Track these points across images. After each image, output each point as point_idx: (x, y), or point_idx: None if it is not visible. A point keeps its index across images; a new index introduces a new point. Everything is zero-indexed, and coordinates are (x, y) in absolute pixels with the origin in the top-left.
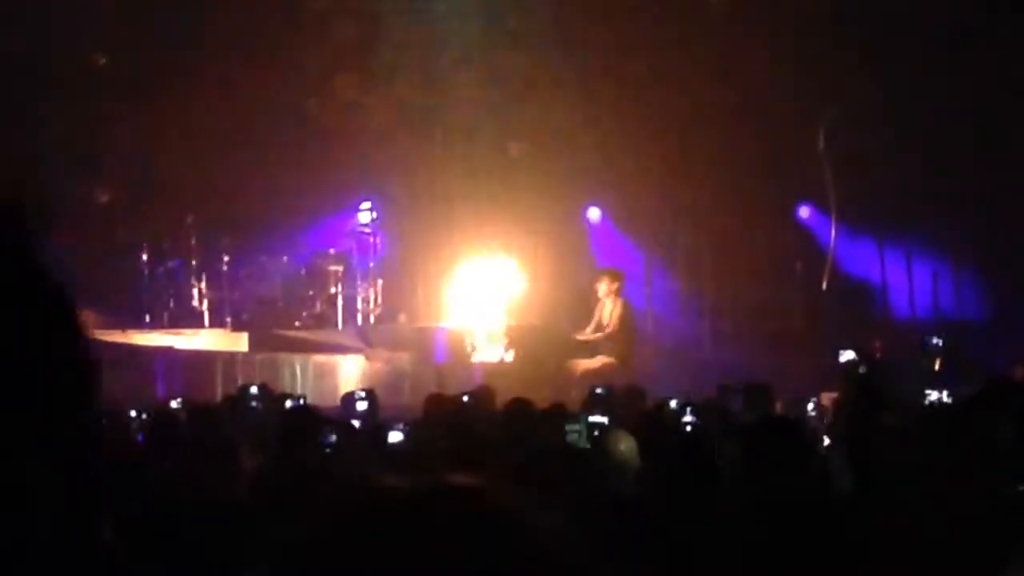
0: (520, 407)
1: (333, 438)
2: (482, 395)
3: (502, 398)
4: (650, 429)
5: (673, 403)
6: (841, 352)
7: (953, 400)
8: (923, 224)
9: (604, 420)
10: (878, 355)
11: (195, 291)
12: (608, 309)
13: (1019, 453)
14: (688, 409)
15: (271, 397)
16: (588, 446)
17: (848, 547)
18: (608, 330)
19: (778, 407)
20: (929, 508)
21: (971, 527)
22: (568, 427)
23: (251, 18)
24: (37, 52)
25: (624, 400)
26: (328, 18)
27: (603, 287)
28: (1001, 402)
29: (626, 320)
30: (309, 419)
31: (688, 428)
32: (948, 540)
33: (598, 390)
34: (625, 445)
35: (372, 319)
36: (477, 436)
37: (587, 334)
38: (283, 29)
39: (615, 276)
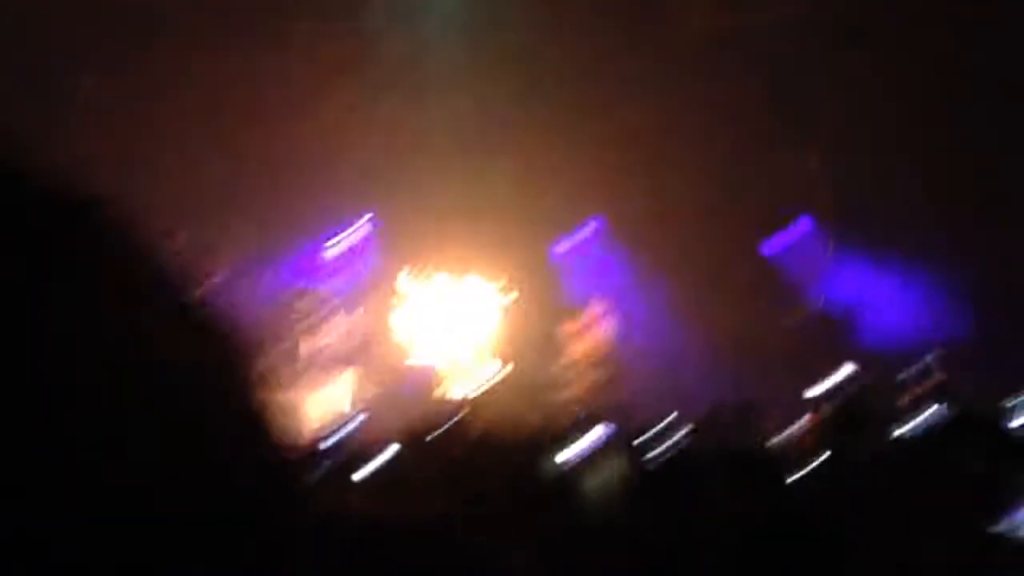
0: (503, 431)
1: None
2: (464, 417)
3: (487, 420)
4: (636, 452)
5: (660, 424)
6: (829, 375)
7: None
8: (918, 242)
9: (593, 443)
10: (868, 376)
11: None
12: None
13: (989, 488)
14: (676, 432)
15: None
16: (577, 470)
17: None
18: (597, 353)
19: (765, 428)
20: (902, 539)
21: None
22: (558, 450)
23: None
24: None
25: (615, 422)
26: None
27: (587, 314)
28: (971, 435)
29: (612, 343)
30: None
31: (676, 451)
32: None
33: (585, 413)
34: (610, 469)
35: (346, 351)
36: (459, 460)
37: (575, 355)
38: (270, 43)
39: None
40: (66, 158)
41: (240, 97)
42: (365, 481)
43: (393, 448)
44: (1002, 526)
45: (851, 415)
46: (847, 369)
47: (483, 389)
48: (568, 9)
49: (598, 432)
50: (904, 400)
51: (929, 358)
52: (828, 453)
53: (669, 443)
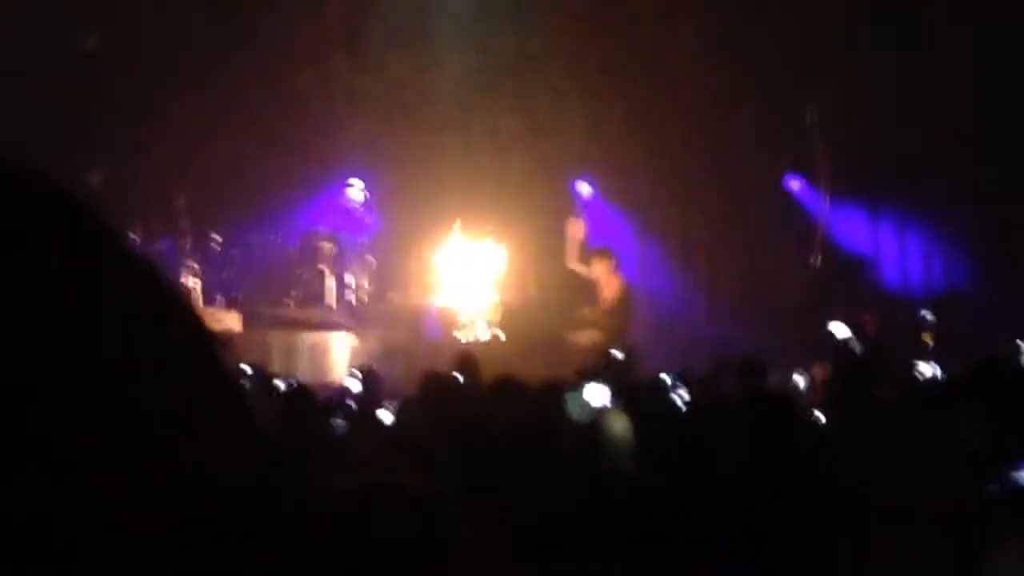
0: (507, 384)
1: (340, 422)
2: (464, 365)
3: (494, 376)
4: (643, 406)
5: (666, 378)
6: (833, 325)
7: (945, 377)
8: (916, 196)
9: (600, 394)
10: (871, 328)
11: (186, 271)
12: (610, 287)
13: (995, 448)
14: (682, 386)
15: (263, 376)
16: (586, 422)
17: (833, 528)
18: (606, 307)
19: (770, 381)
20: (909, 493)
21: (945, 521)
22: (568, 398)
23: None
24: (26, 40)
25: (617, 374)
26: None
27: (597, 268)
28: (988, 387)
29: (625, 301)
30: (311, 404)
31: (682, 406)
32: (925, 527)
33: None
34: (620, 424)
35: (364, 297)
36: (470, 416)
37: (584, 312)
38: (274, 7)
39: (606, 255)
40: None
41: (242, 59)
42: (381, 430)
43: (402, 398)
44: (998, 484)
45: (855, 368)
46: (849, 323)
47: (489, 343)
48: None
49: (606, 385)
50: (906, 353)
51: (927, 311)
52: (833, 406)
53: (676, 396)
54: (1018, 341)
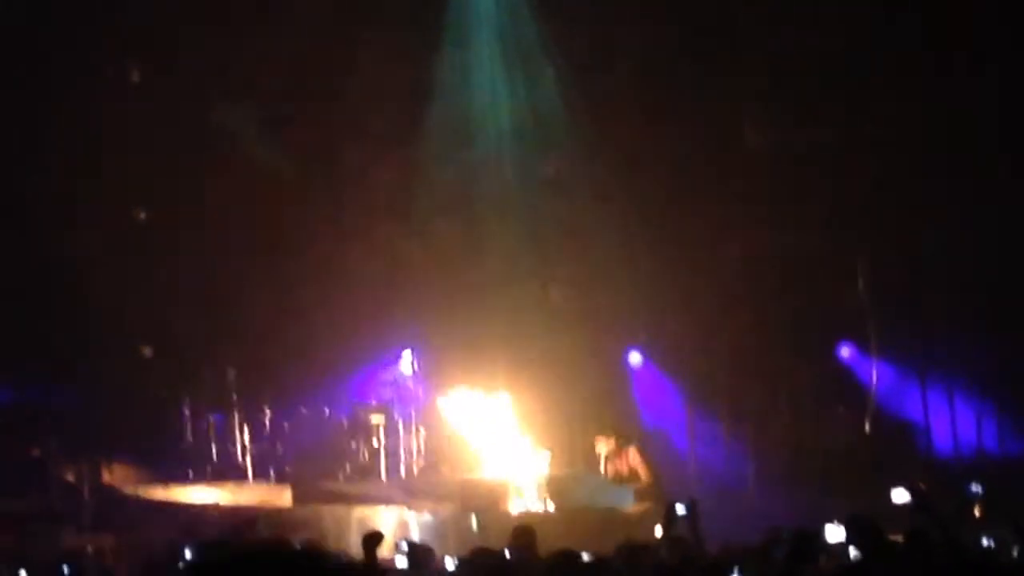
0: (566, 559)
1: None
2: (522, 540)
3: (545, 548)
4: None
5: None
6: (895, 492)
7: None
8: (966, 363)
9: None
10: (921, 499)
11: (237, 444)
12: (622, 462)
13: None
14: (735, 568)
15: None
16: None
17: None
18: (642, 480)
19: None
20: None
21: None
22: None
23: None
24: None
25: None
26: (366, 165)
27: (600, 446)
28: None
29: (648, 465)
30: None
31: None
32: None
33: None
34: None
35: (415, 470)
36: None
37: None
38: (321, 177)
39: (608, 434)
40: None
41: (290, 232)
42: None
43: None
44: None
45: (909, 543)
46: (901, 491)
47: (540, 515)
48: (611, 133)
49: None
50: (959, 523)
51: (976, 483)
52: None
53: (726, 571)
54: None
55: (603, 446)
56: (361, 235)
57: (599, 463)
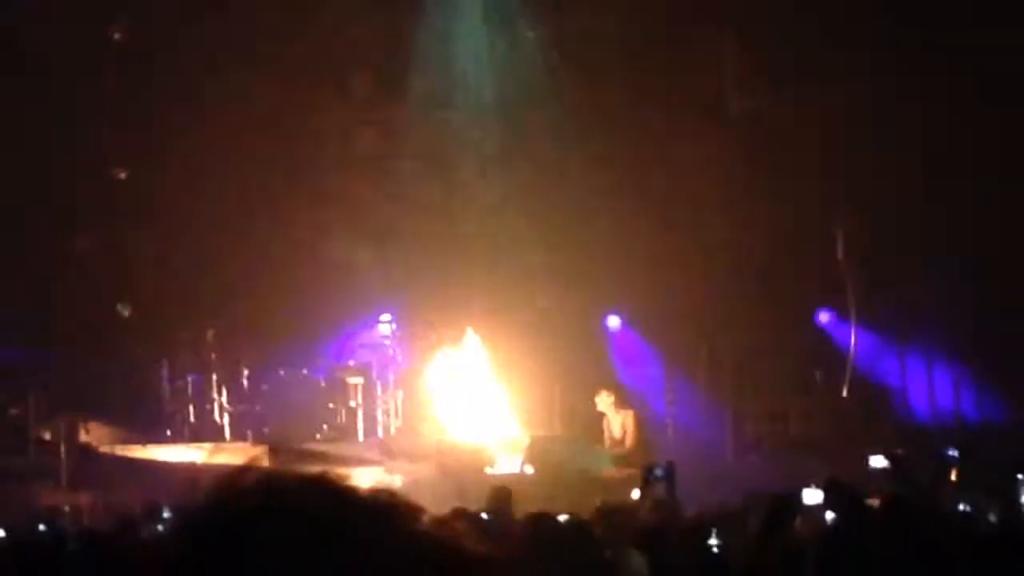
0: (543, 521)
1: None
2: (499, 502)
3: (522, 510)
4: (675, 543)
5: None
6: (873, 459)
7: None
8: (943, 329)
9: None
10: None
11: (215, 405)
12: (617, 423)
13: None
14: (712, 531)
15: None
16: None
17: None
18: (627, 446)
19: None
20: None
21: None
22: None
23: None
24: (60, 165)
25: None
26: (347, 127)
27: (601, 401)
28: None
29: (639, 432)
30: None
31: (713, 549)
32: None
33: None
34: (635, 562)
35: (392, 431)
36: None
37: (606, 448)
38: (300, 138)
39: (610, 389)
40: None
41: (274, 194)
42: None
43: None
44: None
45: (885, 508)
46: (879, 457)
47: (517, 476)
48: (592, 97)
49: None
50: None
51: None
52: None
53: (704, 534)
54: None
55: (605, 399)
56: (341, 197)
57: (576, 425)
